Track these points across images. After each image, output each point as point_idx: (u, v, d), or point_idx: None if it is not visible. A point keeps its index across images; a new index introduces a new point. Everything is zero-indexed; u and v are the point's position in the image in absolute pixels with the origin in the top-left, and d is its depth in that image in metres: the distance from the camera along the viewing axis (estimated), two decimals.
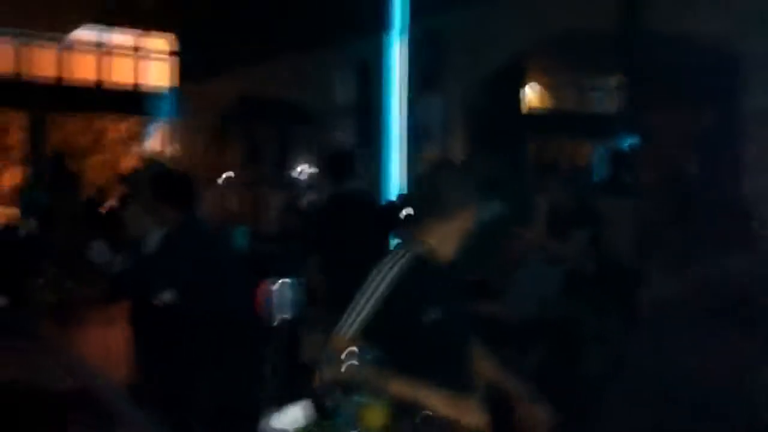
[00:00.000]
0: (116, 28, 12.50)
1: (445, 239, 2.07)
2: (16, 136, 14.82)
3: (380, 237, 4.27)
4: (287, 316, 1.80)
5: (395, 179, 7.02)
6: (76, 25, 11.19)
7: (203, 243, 3.71)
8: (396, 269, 1.99)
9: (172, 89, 12.66)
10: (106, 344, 3.25)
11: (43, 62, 12.23)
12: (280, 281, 1.80)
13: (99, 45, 12.68)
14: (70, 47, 12.31)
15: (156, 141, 14.17)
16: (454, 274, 2.13)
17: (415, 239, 2.08)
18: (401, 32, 6.89)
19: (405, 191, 6.80)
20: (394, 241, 3.90)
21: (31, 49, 12.12)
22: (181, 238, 3.66)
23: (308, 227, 7.10)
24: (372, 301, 1.95)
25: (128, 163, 15.65)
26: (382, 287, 1.96)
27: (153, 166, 4.25)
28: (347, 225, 3.90)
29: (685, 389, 1.85)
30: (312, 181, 8.50)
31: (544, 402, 2.10)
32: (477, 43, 6.03)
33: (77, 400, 2.57)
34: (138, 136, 15.24)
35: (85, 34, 12.12)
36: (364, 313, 1.94)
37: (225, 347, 2.83)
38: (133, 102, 12.77)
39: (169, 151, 12.74)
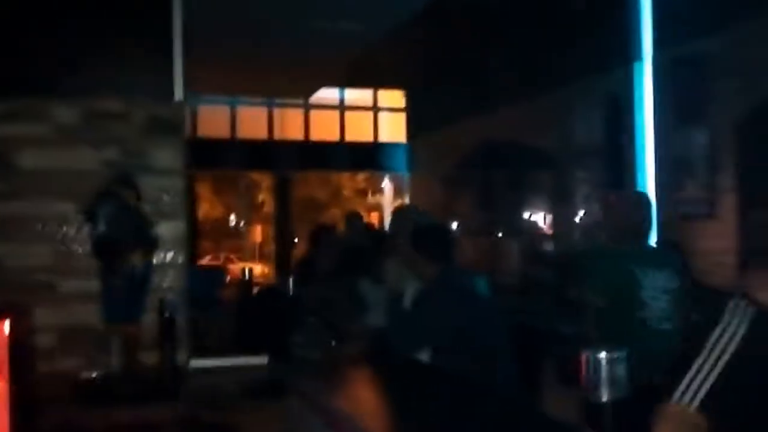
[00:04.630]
0: (352, 88, 13.19)
1: None
2: (264, 194, 16.09)
3: None
4: (618, 395, 1.54)
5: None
6: (316, 88, 11.93)
7: (462, 298, 3.57)
8: (740, 327, 1.70)
9: (406, 142, 13.01)
10: (368, 402, 3.16)
11: (289, 124, 13.19)
12: (608, 354, 1.55)
13: (337, 105, 13.44)
14: (311, 108, 13.17)
15: (391, 193, 14.63)
16: None
17: (749, 293, 1.77)
18: (652, 61, 6.43)
19: (662, 236, 6.25)
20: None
21: (278, 113, 13.14)
22: (440, 293, 3.55)
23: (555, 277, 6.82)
24: (720, 366, 1.67)
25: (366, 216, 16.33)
26: (731, 349, 1.68)
27: (412, 218, 4.21)
28: None
29: None
30: (553, 228, 8.17)
31: None
32: (744, 66, 5.43)
33: None
34: (373, 189, 15.86)
35: (324, 95, 12.91)
36: (710, 379, 1.67)
37: (493, 414, 2.60)
38: (370, 157, 13.29)
39: (407, 203, 13.04)
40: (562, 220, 7.94)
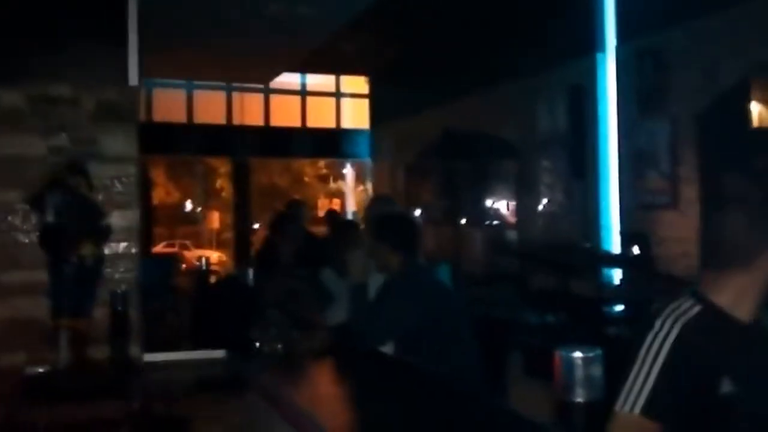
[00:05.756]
0: (314, 74, 13.01)
1: (741, 294, 1.72)
2: (223, 180, 15.86)
3: None
4: (592, 397, 1.49)
5: (613, 213, 6.51)
6: (277, 73, 11.75)
7: (427, 291, 3.51)
8: (679, 330, 1.66)
9: (369, 129, 12.90)
10: (330, 395, 3.09)
11: (248, 110, 12.98)
12: (583, 353, 1.49)
13: (298, 90, 13.25)
14: (272, 94, 12.96)
15: (354, 181, 14.52)
16: (754, 335, 1.76)
17: (700, 293, 1.75)
18: (615, 53, 6.44)
19: (626, 227, 6.27)
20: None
21: (238, 98, 12.90)
22: (404, 285, 3.48)
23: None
24: (656, 369, 1.64)
25: (327, 204, 16.21)
26: (666, 352, 1.64)
27: (377, 207, 4.13)
28: None
29: None
30: (516, 218, 8.17)
31: None
32: (706, 60, 5.46)
33: None
34: (335, 176, 15.74)
35: (285, 80, 12.72)
36: (649, 384, 1.63)
37: (457, 411, 2.54)
38: (332, 143, 13.15)
39: (368, 190, 12.96)
40: (525, 209, 7.94)
